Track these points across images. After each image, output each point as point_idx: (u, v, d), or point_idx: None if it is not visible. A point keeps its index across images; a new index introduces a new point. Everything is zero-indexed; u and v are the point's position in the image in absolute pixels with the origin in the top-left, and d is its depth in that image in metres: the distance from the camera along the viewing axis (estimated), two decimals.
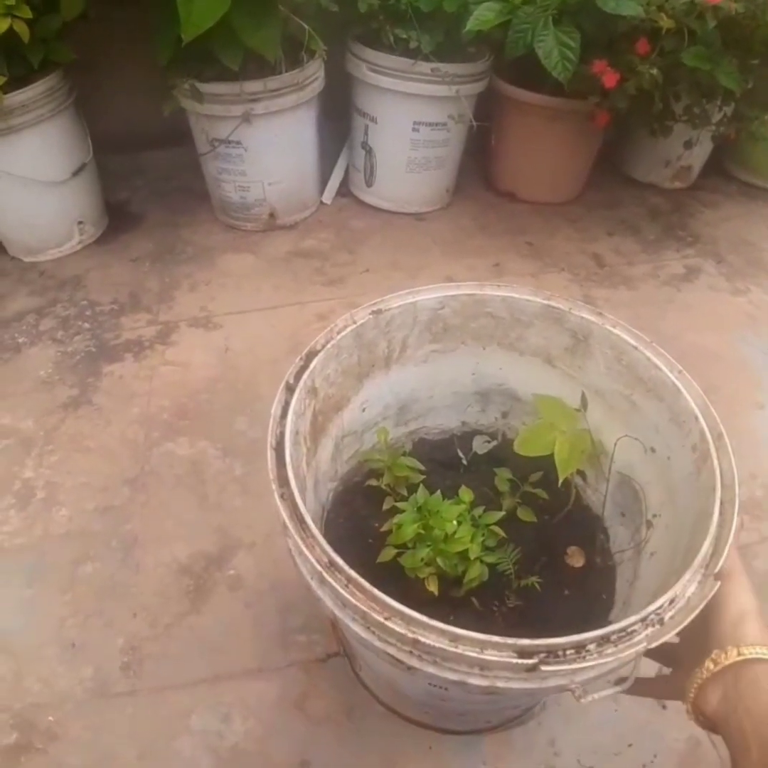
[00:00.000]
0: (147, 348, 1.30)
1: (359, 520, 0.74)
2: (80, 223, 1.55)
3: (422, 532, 0.63)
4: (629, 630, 0.47)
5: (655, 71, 1.27)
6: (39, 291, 1.46)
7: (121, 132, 1.76)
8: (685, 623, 0.47)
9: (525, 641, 0.44)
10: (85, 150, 1.50)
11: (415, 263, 1.53)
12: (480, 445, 0.84)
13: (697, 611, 0.48)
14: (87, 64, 1.42)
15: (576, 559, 0.76)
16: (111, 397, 1.20)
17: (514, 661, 0.43)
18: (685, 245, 1.65)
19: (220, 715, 0.81)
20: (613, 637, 0.46)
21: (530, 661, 0.43)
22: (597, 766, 0.79)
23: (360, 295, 1.42)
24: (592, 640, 0.46)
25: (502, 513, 0.68)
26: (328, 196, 1.71)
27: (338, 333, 0.66)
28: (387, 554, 0.65)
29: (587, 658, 0.45)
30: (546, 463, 0.63)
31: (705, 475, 0.59)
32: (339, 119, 1.67)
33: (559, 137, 1.61)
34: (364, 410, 0.76)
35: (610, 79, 1.31)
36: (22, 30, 1.19)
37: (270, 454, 0.54)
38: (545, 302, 0.71)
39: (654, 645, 0.46)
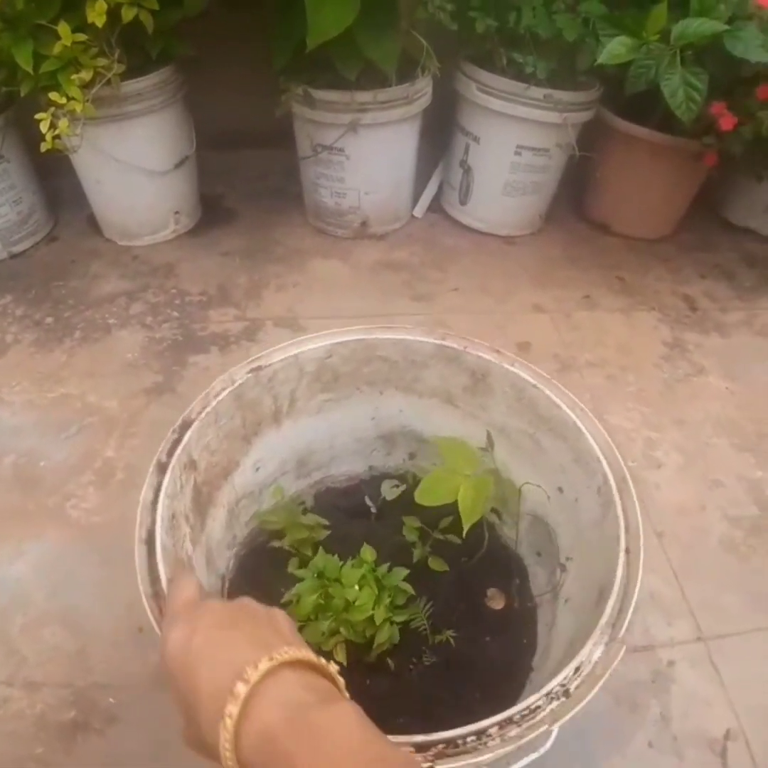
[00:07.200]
0: (233, 343, 1.31)
1: (264, 586, 0.70)
2: (176, 213, 1.58)
3: (322, 602, 0.60)
4: (533, 707, 0.44)
5: None
6: (131, 275, 1.49)
7: (222, 129, 1.79)
8: (592, 695, 0.44)
9: (419, 737, 0.42)
10: (189, 143, 1.53)
11: (504, 288, 1.51)
12: (389, 491, 0.82)
13: (603, 680, 0.45)
14: (198, 60, 1.45)
15: (496, 601, 0.74)
16: (195, 387, 1.20)
17: None
18: None
19: None
20: (516, 718, 0.44)
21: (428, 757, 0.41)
22: None
23: (448, 314, 1.41)
24: (493, 725, 0.43)
25: (407, 571, 0.65)
26: (419, 211, 1.71)
27: (215, 397, 0.61)
28: None
29: (489, 744, 0.42)
30: (456, 507, 0.60)
31: (609, 521, 0.56)
32: (434, 135, 1.66)
33: (661, 173, 1.58)
34: (257, 470, 0.73)
35: (727, 121, 1.28)
36: (148, 20, 1.18)
37: (138, 550, 0.48)
38: (439, 342, 0.69)
39: (560, 723, 0.44)
